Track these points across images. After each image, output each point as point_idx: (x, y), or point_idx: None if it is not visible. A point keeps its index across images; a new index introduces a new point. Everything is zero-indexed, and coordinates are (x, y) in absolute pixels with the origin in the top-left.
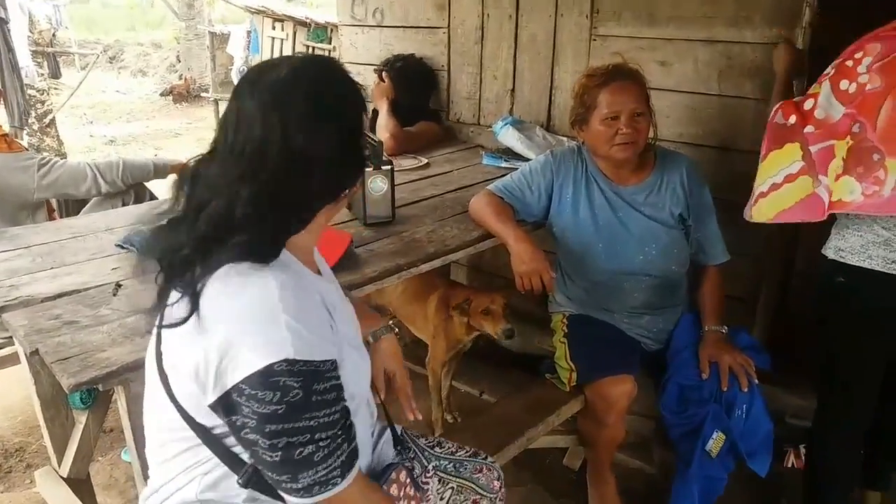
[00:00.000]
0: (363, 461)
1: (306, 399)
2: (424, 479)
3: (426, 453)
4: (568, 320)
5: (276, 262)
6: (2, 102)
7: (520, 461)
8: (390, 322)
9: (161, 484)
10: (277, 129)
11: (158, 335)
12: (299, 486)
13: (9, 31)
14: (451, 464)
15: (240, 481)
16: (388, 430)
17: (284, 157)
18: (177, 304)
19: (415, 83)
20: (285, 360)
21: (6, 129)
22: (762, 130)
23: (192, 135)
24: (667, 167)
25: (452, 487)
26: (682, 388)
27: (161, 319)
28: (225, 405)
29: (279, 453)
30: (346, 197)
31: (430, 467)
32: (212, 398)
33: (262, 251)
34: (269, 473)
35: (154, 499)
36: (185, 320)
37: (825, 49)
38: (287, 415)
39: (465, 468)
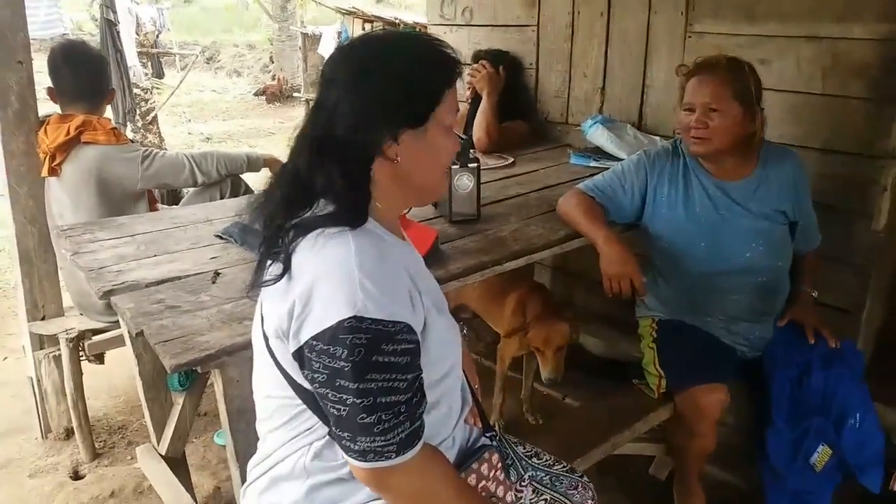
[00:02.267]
0: (454, 450)
1: (370, 359)
2: (519, 488)
3: (523, 462)
4: (657, 325)
5: (361, 227)
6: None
7: (604, 467)
8: (461, 324)
9: (270, 451)
10: (330, 94)
11: (260, 303)
12: (356, 447)
13: (118, 33)
14: (548, 476)
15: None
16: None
17: (331, 116)
18: (272, 265)
19: (509, 79)
20: (354, 318)
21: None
22: (869, 131)
23: (284, 134)
24: (772, 162)
25: (546, 500)
26: (790, 399)
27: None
28: (300, 358)
29: (345, 410)
30: (397, 157)
31: (525, 476)
32: (291, 348)
33: (347, 216)
34: (334, 428)
35: (263, 466)
36: (279, 278)
37: None
38: (351, 373)
39: (562, 483)
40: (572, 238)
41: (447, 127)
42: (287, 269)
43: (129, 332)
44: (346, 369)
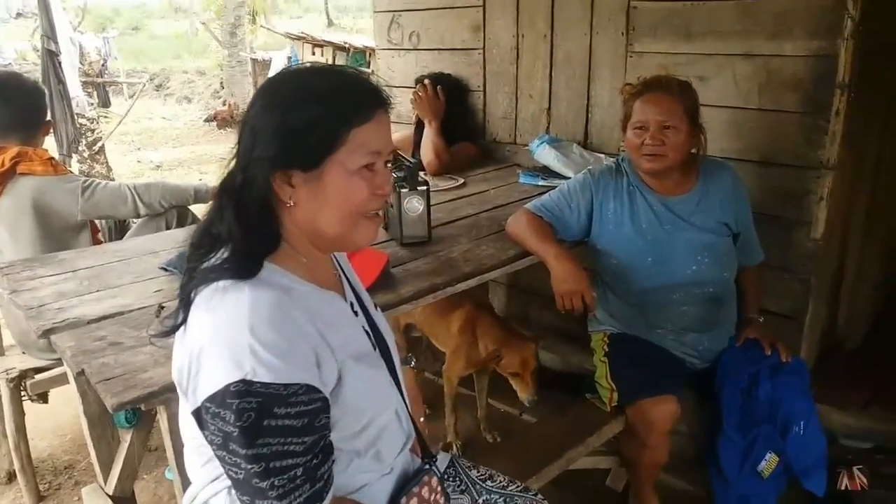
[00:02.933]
0: (393, 481)
1: (260, 424)
2: None
3: (477, 487)
4: (609, 339)
5: (260, 278)
6: (52, 131)
7: (562, 482)
8: (409, 355)
9: (198, 490)
10: (239, 133)
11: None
12: None
13: (59, 63)
14: (502, 498)
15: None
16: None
17: (233, 157)
18: (173, 313)
19: (454, 102)
20: (242, 381)
21: (55, 155)
22: (804, 144)
23: None
24: (711, 176)
25: None
26: (740, 408)
27: None
28: (197, 419)
29: (241, 473)
30: (291, 201)
31: (479, 501)
32: (190, 408)
33: (238, 265)
34: (235, 490)
35: None
36: (175, 329)
37: (872, 54)
38: (241, 438)
39: (516, 503)
40: (522, 257)
41: (353, 170)
42: (184, 320)
43: (70, 370)
44: (234, 434)
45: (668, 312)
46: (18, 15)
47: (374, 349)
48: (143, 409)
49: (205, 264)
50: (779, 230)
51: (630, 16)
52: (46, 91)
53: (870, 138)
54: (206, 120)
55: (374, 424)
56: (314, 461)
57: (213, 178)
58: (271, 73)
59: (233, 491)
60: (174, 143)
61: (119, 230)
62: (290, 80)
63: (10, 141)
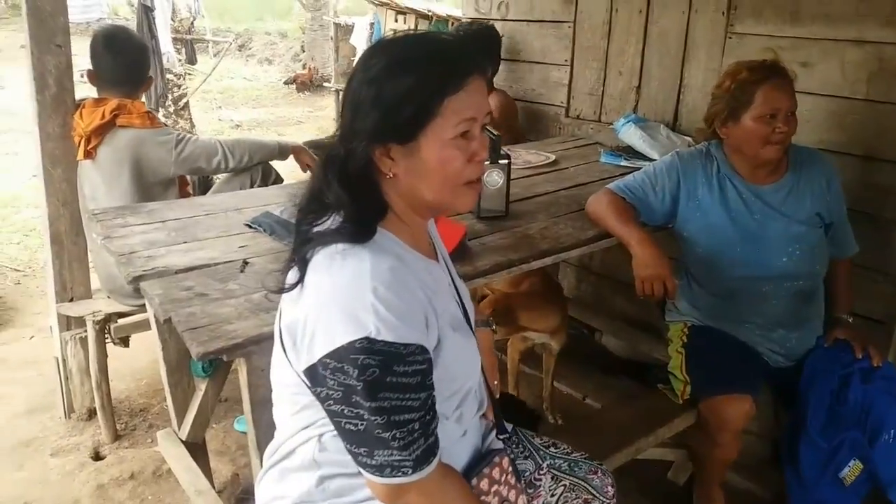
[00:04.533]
0: (468, 446)
1: (383, 379)
2: (537, 476)
3: (541, 452)
4: (690, 330)
5: (376, 242)
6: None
7: (622, 469)
8: (490, 318)
9: (282, 440)
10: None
11: (283, 297)
12: (373, 462)
13: (153, 19)
14: (566, 462)
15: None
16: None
17: (337, 129)
18: (291, 272)
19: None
20: (366, 339)
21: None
22: None
23: (313, 123)
24: (803, 164)
25: (565, 485)
26: (828, 410)
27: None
28: (311, 376)
29: (362, 424)
30: (391, 172)
31: (544, 465)
32: (302, 366)
33: (352, 231)
34: (349, 445)
35: (276, 456)
36: (293, 287)
37: None
38: (364, 392)
39: (580, 468)
40: (601, 238)
41: (449, 140)
42: (301, 279)
43: (156, 318)
44: (359, 388)
45: (756, 306)
46: None
47: (464, 318)
48: (224, 359)
49: (317, 228)
50: (875, 230)
51: None
52: None
53: None
54: (286, 82)
55: (461, 390)
56: (427, 416)
57: (290, 139)
58: (353, 38)
59: (322, 438)
60: (254, 103)
61: (203, 186)
62: (384, 51)
63: (113, 93)
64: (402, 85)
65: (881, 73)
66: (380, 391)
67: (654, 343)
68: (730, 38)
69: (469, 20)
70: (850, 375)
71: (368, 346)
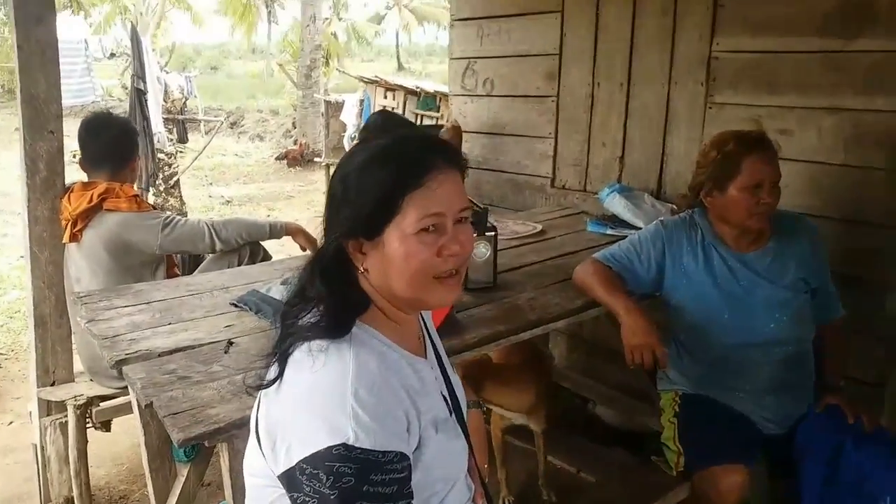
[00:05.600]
0: None
1: (359, 488)
2: None
3: None
4: (680, 399)
5: (357, 339)
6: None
7: None
8: (478, 398)
9: None
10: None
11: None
12: None
13: (146, 101)
14: None
15: None
16: None
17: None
18: (271, 367)
19: None
20: (343, 445)
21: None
22: (892, 202)
23: (303, 197)
24: (787, 230)
25: None
26: (822, 481)
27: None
28: (288, 481)
29: None
30: (363, 267)
31: None
32: (280, 470)
33: (328, 326)
34: None
35: None
36: (271, 383)
37: None
38: (338, 502)
39: None
40: (589, 307)
41: (412, 234)
42: (280, 375)
43: (138, 402)
44: (332, 497)
45: (745, 373)
46: (112, 55)
47: (451, 415)
48: (206, 445)
49: (300, 322)
50: (863, 292)
51: (710, 67)
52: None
53: None
54: (278, 158)
55: (443, 490)
56: None
57: (281, 214)
58: (343, 114)
59: None
60: (245, 179)
61: (192, 262)
62: (360, 150)
63: (99, 174)
64: (365, 183)
65: (857, 139)
66: (354, 501)
67: (648, 412)
68: (709, 108)
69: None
70: (843, 443)
71: (345, 453)
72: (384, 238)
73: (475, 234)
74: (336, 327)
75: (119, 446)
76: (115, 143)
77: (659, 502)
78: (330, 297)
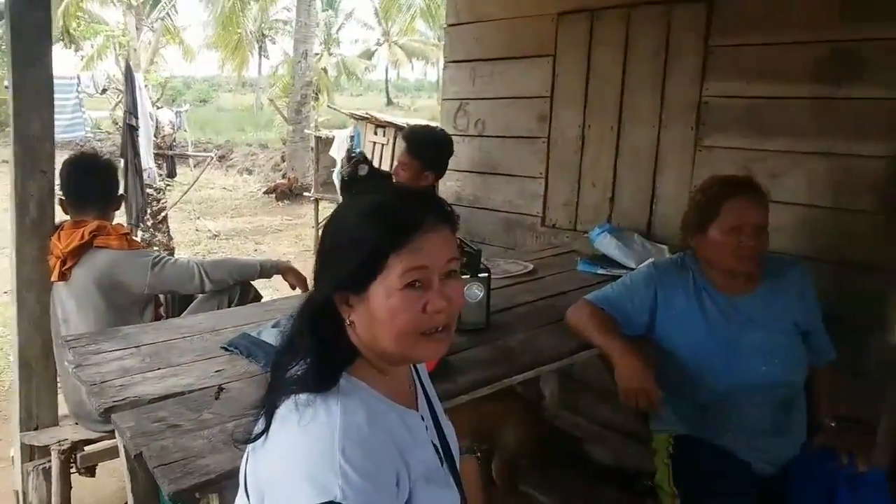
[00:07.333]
0: None
1: None
2: None
3: None
4: (674, 441)
5: (344, 392)
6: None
7: None
8: (473, 445)
9: None
10: None
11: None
12: None
13: (137, 137)
14: None
15: None
16: None
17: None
18: (258, 421)
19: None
20: (330, 503)
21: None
22: (881, 245)
23: (291, 231)
24: (778, 274)
25: None
26: None
27: None
28: None
29: None
30: (350, 321)
31: None
32: None
33: (319, 379)
34: None
35: None
36: (257, 437)
37: None
38: None
39: None
40: (582, 349)
41: (396, 290)
42: (267, 429)
43: (126, 451)
44: None
45: (738, 415)
46: (104, 90)
47: (442, 464)
48: (197, 496)
49: (288, 374)
50: (853, 334)
51: (700, 111)
52: (122, 163)
53: None
54: (266, 192)
55: None
56: None
57: (268, 248)
58: (333, 150)
59: None
60: (232, 213)
61: (181, 302)
62: (349, 205)
63: (87, 214)
64: (353, 239)
65: (846, 183)
66: None
67: (640, 451)
68: (699, 150)
69: (422, 125)
70: (836, 484)
71: None
72: (370, 293)
73: (468, 276)
74: (322, 380)
75: (104, 491)
76: (101, 184)
77: None
78: (316, 349)
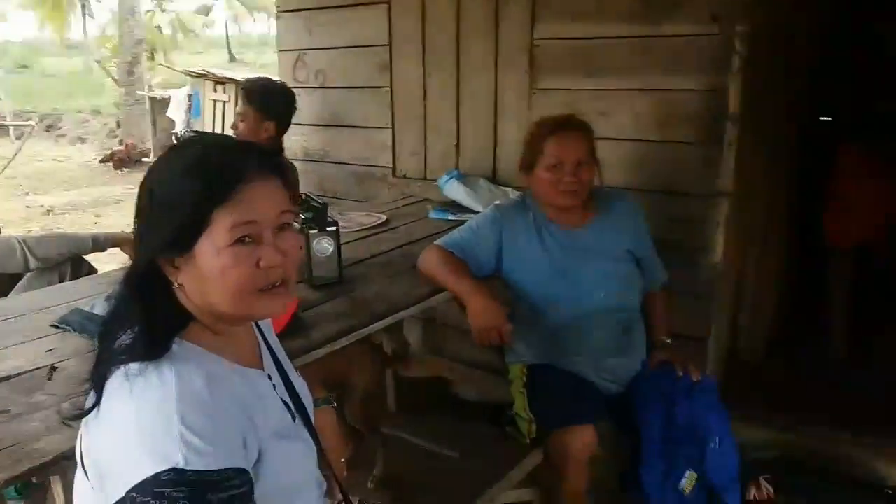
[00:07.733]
0: None
1: None
2: None
3: None
4: (527, 370)
5: (180, 357)
6: None
7: None
8: (330, 395)
9: None
10: None
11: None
12: None
13: None
14: None
15: None
16: None
17: None
18: (88, 394)
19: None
20: (172, 470)
21: None
22: (702, 173)
23: (133, 201)
24: (611, 206)
25: None
26: (660, 430)
27: None
28: None
29: None
30: (178, 282)
31: None
32: (110, 502)
33: (147, 346)
34: None
35: None
36: (88, 412)
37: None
38: None
39: None
40: (436, 293)
41: (224, 247)
42: (98, 402)
43: None
44: None
45: (583, 340)
46: None
47: (294, 420)
48: (34, 481)
49: (115, 344)
50: (682, 256)
51: (533, 55)
52: None
53: (761, 166)
54: (102, 160)
55: (291, 498)
56: None
57: (110, 220)
58: (170, 111)
59: None
60: (66, 185)
61: (9, 283)
62: (165, 158)
63: None
64: (172, 196)
65: (667, 118)
66: None
67: (505, 387)
68: (534, 94)
69: (257, 77)
70: (674, 394)
71: (176, 477)
72: (196, 253)
73: (316, 231)
74: (152, 347)
75: None
76: None
77: (516, 469)
78: (143, 316)
